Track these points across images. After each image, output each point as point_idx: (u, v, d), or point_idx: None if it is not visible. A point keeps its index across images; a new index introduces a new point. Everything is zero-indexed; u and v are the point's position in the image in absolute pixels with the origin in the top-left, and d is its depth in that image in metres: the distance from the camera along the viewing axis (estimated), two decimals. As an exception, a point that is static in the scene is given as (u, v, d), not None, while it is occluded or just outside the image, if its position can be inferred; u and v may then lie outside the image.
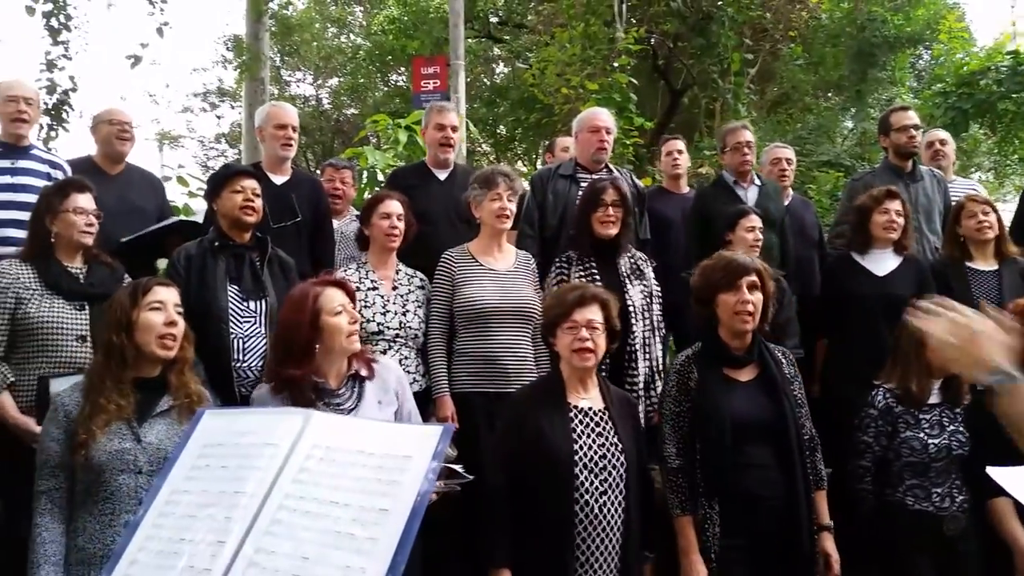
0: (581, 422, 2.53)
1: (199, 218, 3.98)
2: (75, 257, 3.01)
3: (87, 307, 2.89)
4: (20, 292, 2.84)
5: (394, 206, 3.44)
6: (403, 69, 16.16)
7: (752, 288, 2.67)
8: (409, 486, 1.29)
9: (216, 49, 27.61)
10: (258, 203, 3.26)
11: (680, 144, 5.06)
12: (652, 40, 11.81)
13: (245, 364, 3.05)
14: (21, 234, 3.36)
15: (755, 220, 3.78)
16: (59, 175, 3.74)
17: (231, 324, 3.06)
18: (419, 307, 3.43)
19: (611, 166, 4.24)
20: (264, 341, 3.10)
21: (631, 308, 3.42)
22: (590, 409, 2.57)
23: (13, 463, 2.64)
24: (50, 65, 6.37)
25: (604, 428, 2.54)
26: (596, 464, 2.46)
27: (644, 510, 2.56)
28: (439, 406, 3.29)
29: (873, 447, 2.98)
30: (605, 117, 4.21)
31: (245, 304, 3.12)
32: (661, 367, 3.50)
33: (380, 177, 6.00)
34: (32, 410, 2.76)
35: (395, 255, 3.50)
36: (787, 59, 12.88)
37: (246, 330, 3.08)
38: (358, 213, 3.99)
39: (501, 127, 15.63)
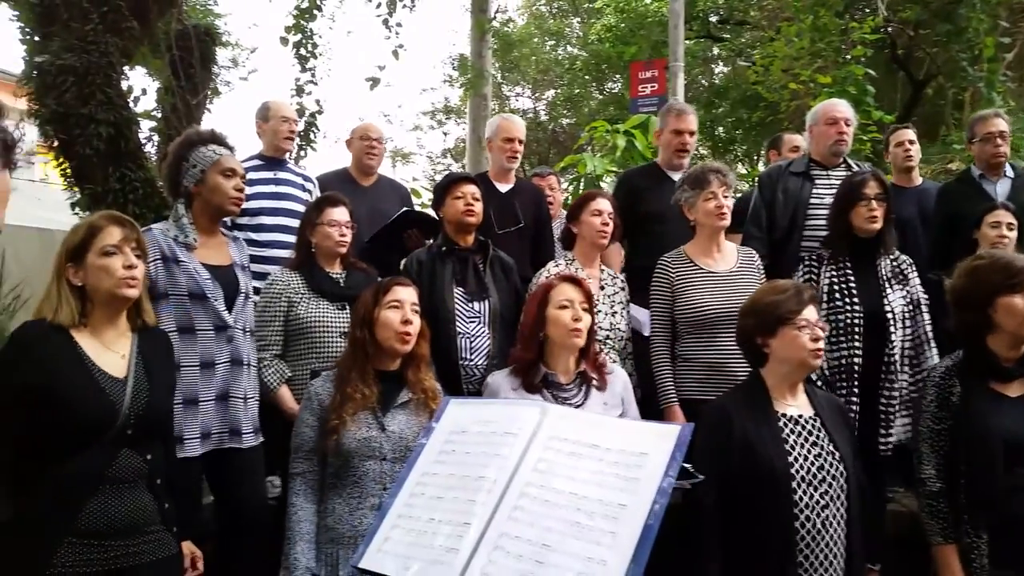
0: (793, 431, 2.31)
1: None
2: (334, 264, 3.28)
3: (347, 307, 3.13)
4: (291, 297, 3.14)
5: (605, 204, 3.43)
6: (618, 76, 16.17)
7: None
8: (647, 483, 1.27)
9: (442, 69, 29.28)
10: (478, 207, 3.40)
11: (911, 133, 4.63)
12: (890, 28, 10.92)
13: (471, 362, 3.18)
14: (285, 237, 3.74)
15: (1002, 215, 3.42)
16: (310, 186, 4.13)
17: (457, 324, 3.21)
18: (624, 308, 3.37)
19: (850, 161, 3.95)
20: (488, 340, 3.22)
21: (889, 315, 3.15)
22: (800, 417, 2.35)
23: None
24: (299, 90, 6.99)
25: (819, 437, 2.32)
26: (815, 477, 2.25)
27: (865, 521, 2.33)
28: (670, 416, 3.18)
29: None
30: (844, 108, 3.94)
31: (470, 305, 3.27)
32: None
33: (601, 184, 6.03)
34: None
35: (606, 253, 3.48)
36: (1049, 41, 11.35)
37: (471, 330, 3.23)
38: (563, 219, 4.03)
39: (720, 128, 15.17)
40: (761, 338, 2.40)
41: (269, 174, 4.02)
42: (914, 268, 3.30)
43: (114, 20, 4.90)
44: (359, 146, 4.37)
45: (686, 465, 1.88)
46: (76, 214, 4.99)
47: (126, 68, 5.37)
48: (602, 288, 3.42)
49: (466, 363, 3.19)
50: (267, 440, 2.93)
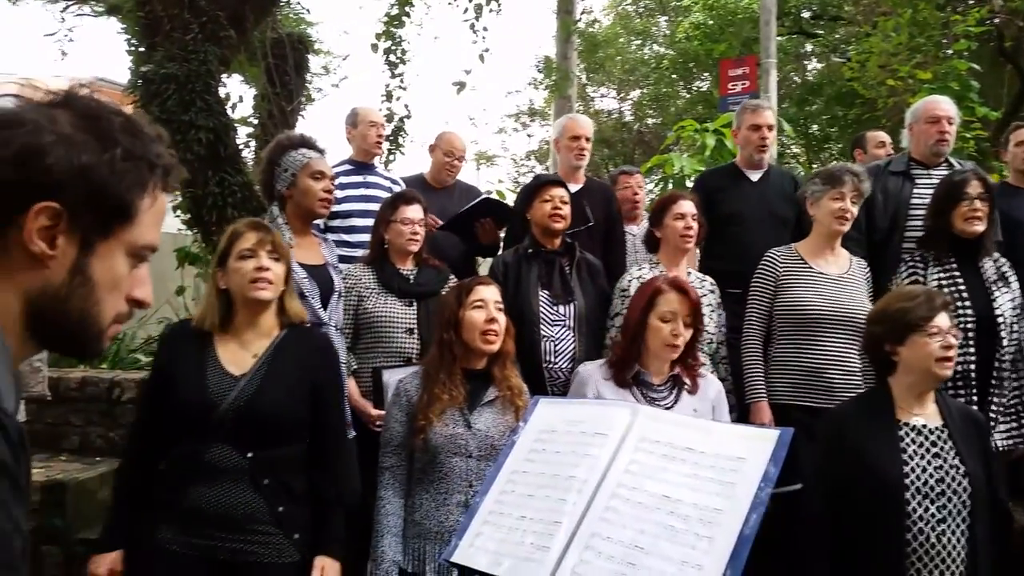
0: (914, 441, 2.23)
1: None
2: (406, 260, 3.33)
3: (415, 304, 3.20)
4: (361, 291, 3.22)
5: (688, 206, 3.35)
6: (707, 75, 15.89)
7: None
8: (744, 488, 1.24)
9: (528, 72, 29.39)
10: (566, 210, 3.38)
11: None
12: (996, 20, 10.37)
13: (555, 365, 3.17)
14: (372, 237, 3.83)
15: None
16: (398, 189, 4.19)
17: (542, 327, 3.20)
18: (712, 311, 3.31)
19: (951, 159, 3.77)
20: (573, 344, 3.20)
21: (1000, 318, 3.02)
22: (924, 427, 2.27)
23: (362, 440, 3.01)
24: (388, 96, 7.13)
25: (943, 448, 2.23)
26: (932, 489, 2.16)
27: (996, 542, 2.21)
28: (755, 413, 3.13)
29: None
30: (946, 105, 3.76)
31: (555, 308, 3.25)
32: None
33: (688, 184, 5.93)
34: (369, 395, 3.12)
35: (687, 256, 3.42)
36: None
37: (556, 333, 3.21)
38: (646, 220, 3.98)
39: (814, 126, 14.73)
40: (890, 345, 2.34)
41: (359, 178, 4.12)
42: (1014, 271, 3.16)
43: (213, 30, 5.11)
44: (440, 158, 4.45)
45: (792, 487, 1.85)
46: (178, 216, 5.22)
47: (224, 76, 5.60)
48: None
49: (550, 366, 3.17)
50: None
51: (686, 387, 2.57)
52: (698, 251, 3.98)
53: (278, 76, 6.56)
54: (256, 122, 6.62)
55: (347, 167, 4.17)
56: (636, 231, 4.42)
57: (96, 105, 0.89)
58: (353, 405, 3.07)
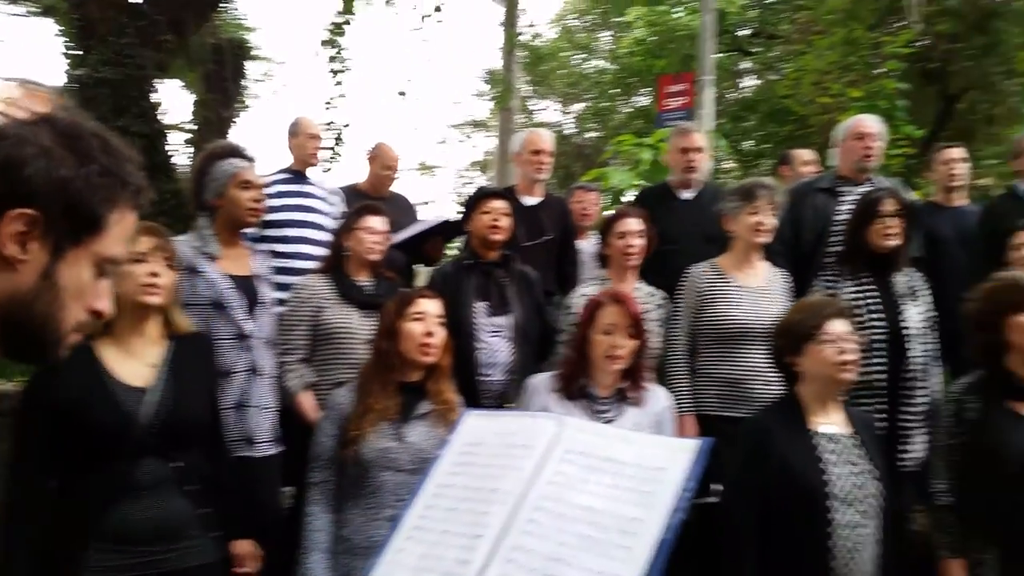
0: (829, 449, 2.30)
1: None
2: (365, 271, 3.30)
3: (374, 315, 3.16)
4: (319, 303, 3.17)
5: (632, 224, 3.41)
6: (647, 90, 16.13)
7: None
8: (662, 498, 1.27)
9: (473, 83, 29.44)
10: (504, 223, 3.40)
11: (960, 152, 4.54)
12: (924, 42, 10.79)
13: (490, 377, 3.18)
14: (309, 249, 3.80)
15: None
16: (335, 199, 4.19)
17: (478, 337, 3.21)
18: (659, 326, 3.37)
19: (874, 177, 3.91)
20: (509, 355, 3.21)
21: (908, 330, 3.13)
22: (837, 434, 2.34)
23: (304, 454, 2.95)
24: (329, 104, 7.09)
25: (856, 455, 2.31)
26: (849, 494, 2.24)
27: (892, 539, 2.32)
28: (682, 426, 3.18)
29: None
30: (873, 123, 3.91)
31: (491, 319, 3.26)
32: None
33: (623, 198, 6.02)
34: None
35: (635, 273, 3.47)
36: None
37: (492, 344, 3.22)
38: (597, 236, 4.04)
39: (747, 142, 15.07)
40: (789, 356, 2.41)
41: (296, 187, 4.09)
42: (927, 285, 3.29)
43: (151, 34, 5.02)
44: (377, 169, 4.49)
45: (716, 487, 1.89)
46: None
47: (161, 81, 5.49)
48: None
49: (485, 378, 3.19)
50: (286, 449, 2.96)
51: (630, 400, 2.59)
52: None
53: (216, 82, 6.46)
54: (194, 128, 6.51)
55: (284, 176, 4.14)
56: (584, 247, 4.47)
57: (77, 124, 0.95)
58: (309, 420, 3.00)
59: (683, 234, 3.78)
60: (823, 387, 2.37)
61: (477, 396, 3.11)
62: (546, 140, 4.20)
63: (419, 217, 4.67)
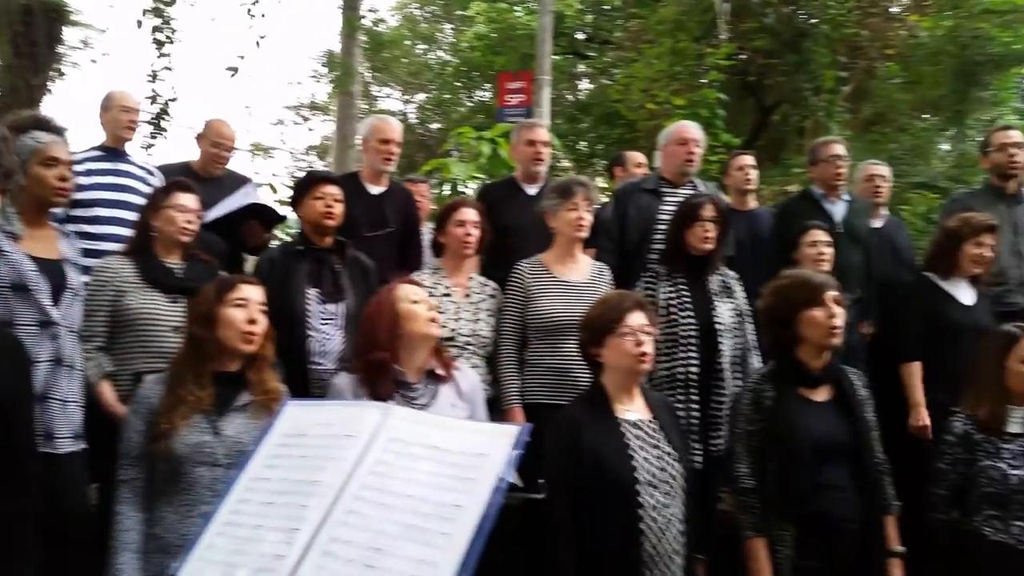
0: (633, 435, 2.43)
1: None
2: (174, 253, 3.09)
3: (181, 300, 2.97)
4: (120, 286, 2.94)
5: (469, 213, 3.45)
6: (488, 85, 16.32)
7: (837, 303, 2.59)
8: (483, 484, 1.29)
9: (310, 64, 28.56)
10: (338, 209, 3.34)
11: (751, 159, 4.91)
12: (743, 56, 11.61)
13: (322, 365, 3.11)
14: (123, 231, 3.52)
15: (818, 235, 3.70)
16: (153, 179, 3.94)
17: (310, 325, 3.13)
18: (491, 316, 3.43)
19: (696, 181, 4.17)
20: (342, 343, 3.15)
21: (719, 326, 3.37)
22: (640, 421, 2.48)
23: (111, 449, 2.74)
24: (154, 76, 6.68)
25: (658, 440, 2.46)
26: (654, 477, 2.38)
27: (697, 515, 2.49)
28: (510, 418, 3.27)
29: (950, 475, 2.86)
30: (694, 130, 4.15)
31: (324, 306, 3.19)
32: None
33: (462, 189, 6.08)
34: (129, 400, 2.86)
35: (470, 263, 3.52)
36: (883, 78, 12.43)
37: (324, 331, 3.15)
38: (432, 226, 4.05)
39: (582, 143, 15.60)
40: (593, 349, 2.53)
41: (109, 165, 3.81)
42: (740, 283, 3.55)
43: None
44: (208, 148, 4.26)
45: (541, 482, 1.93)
46: None
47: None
48: (467, 296, 3.44)
49: (317, 367, 3.11)
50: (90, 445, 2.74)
51: (443, 377, 2.57)
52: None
53: (26, 46, 5.89)
54: (-2, 94, 5.92)
55: (96, 153, 3.85)
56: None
57: None
58: (109, 412, 2.80)
59: (528, 227, 3.86)
60: (624, 377, 2.50)
61: (308, 385, 3.03)
62: (395, 129, 4.14)
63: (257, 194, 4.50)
